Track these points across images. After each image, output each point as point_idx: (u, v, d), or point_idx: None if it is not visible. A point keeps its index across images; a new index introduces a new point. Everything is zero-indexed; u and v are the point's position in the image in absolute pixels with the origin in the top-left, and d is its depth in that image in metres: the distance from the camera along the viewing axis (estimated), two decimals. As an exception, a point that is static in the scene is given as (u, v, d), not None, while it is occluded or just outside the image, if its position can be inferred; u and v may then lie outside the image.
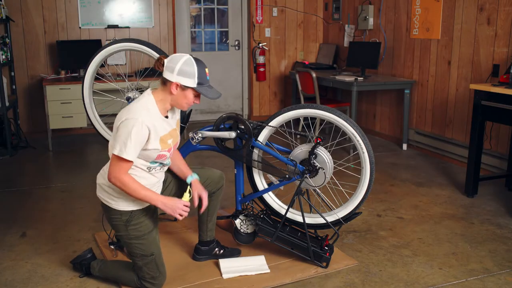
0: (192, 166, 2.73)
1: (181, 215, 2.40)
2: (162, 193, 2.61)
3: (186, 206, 2.42)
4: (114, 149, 2.27)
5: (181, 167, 2.64)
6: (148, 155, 2.37)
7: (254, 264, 2.82)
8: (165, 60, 2.36)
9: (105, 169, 2.46)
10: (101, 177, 2.47)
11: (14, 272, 2.78)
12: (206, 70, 2.39)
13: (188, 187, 2.56)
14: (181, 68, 2.31)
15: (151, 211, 2.53)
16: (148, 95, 2.39)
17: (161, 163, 2.47)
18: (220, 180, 2.80)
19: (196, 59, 2.36)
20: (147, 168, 2.43)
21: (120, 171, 2.28)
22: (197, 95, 2.40)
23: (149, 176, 2.46)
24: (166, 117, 2.45)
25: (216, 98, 2.41)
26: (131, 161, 2.29)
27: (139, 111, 2.29)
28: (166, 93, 2.38)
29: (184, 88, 2.34)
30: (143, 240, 2.45)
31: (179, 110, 2.62)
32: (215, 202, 2.83)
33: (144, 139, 2.29)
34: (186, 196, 2.50)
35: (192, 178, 2.61)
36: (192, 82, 2.33)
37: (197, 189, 2.58)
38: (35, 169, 4.83)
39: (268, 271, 2.75)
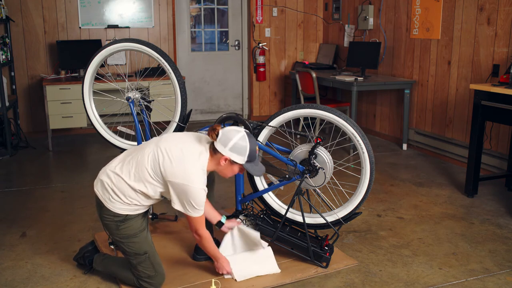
0: None
1: (222, 273, 2.66)
2: None
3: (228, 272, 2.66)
4: (188, 211, 2.37)
5: (210, 211, 2.79)
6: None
7: (263, 261, 2.79)
8: (220, 132, 2.38)
9: (111, 169, 2.45)
10: (105, 175, 2.45)
11: (14, 272, 2.78)
12: (257, 147, 2.45)
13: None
14: (235, 145, 2.36)
15: (143, 213, 2.55)
16: (204, 152, 2.41)
17: None
18: (209, 175, 2.81)
19: (249, 136, 2.41)
20: (156, 200, 2.50)
21: (202, 227, 2.46)
22: (242, 168, 2.46)
23: (153, 202, 2.52)
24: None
25: (260, 175, 2.55)
26: (203, 215, 2.44)
27: (197, 178, 2.34)
28: (214, 162, 2.42)
29: (232, 162, 2.40)
30: (135, 239, 2.47)
31: None
32: (211, 194, 2.86)
33: (204, 197, 2.39)
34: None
35: (223, 218, 2.81)
36: (242, 160, 2.39)
37: (228, 225, 2.81)
38: (35, 169, 4.83)
39: (279, 271, 2.75)
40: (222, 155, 2.37)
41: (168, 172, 2.33)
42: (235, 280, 2.66)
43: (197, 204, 2.35)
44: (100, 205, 2.47)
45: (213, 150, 2.41)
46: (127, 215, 2.44)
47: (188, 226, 2.51)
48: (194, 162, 2.36)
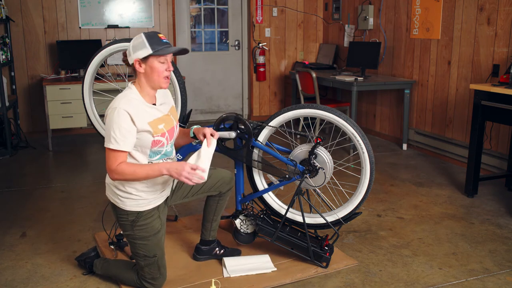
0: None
1: (189, 179, 2.27)
2: (175, 192, 2.66)
3: (193, 168, 2.28)
4: (105, 143, 2.28)
5: (184, 135, 2.68)
6: (142, 144, 2.35)
7: (259, 262, 2.82)
8: (127, 52, 2.39)
9: None
10: (108, 177, 2.48)
11: (14, 272, 2.78)
12: (160, 35, 2.36)
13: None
14: (133, 45, 2.33)
15: (159, 213, 2.52)
16: (128, 87, 2.40)
17: (163, 155, 2.46)
18: (231, 181, 2.80)
19: (145, 32, 2.36)
20: (149, 163, 2.41)
21: (115, 163, 2.27)
22: (163, 61, 2.35)
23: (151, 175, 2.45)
24: (154, 104, 2.44)
25: (182, 51, 2.39)
26: (124, 151, 2.27)
27: (117, 101, 2.30)
28: (140, 78, 2.37)
29: (144, 60, 2.32)
30: (148, 241, 2.46)
31: (169, 97, 2.60)
32: (223, 202, 2.84)
33: (128, 125, 2.26)
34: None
35: (192, 129, 2.62)
36: (147, 51, 2.30)
37: (200, 132, 2.56)
38: (35, 169, 4.83)
39: (275, 269, 2.76)
40: (134, 63, 2.33)
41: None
42: (223, 277, 2.67)
43: (112, 128, 2.22)
44: (114, 208, 2.48)
45: (134, 71, 2.38)
46: (139, 212, 2.43)
47: (108, 171, 2.29)
48: (120, 94, 2.36)
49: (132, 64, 2.35)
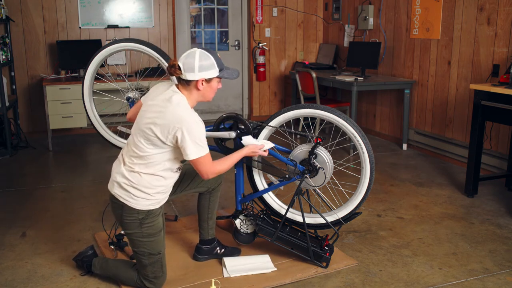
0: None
1: (257, 153, 2.68)
2: (179, 185, 2.74)
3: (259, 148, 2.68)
4: (191, 156, 2.34)
5: None
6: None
7: (259, 262, 2.82)
8: (180, 64, 2.38)
9: (128, 168, 2.43)
10: (121, 175, 2.43)
11: (14, 272, 2.78)
12: (218, 54, 2.48)
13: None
14: (201, 65, 2.37)
15: (162, 210, 2.56)
16: (179, 95, 2.41)
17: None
18: (219, 176, 2.81)
19: (207, 49, 2.43)
20: (177, 169, 2.50)
21: (210, 167, 2.42)
22: (219, 80, 2.49)
23: (175, 175, 2.52)
24: None
25: (237, 77, 2.55)
26: (208, 152, 2.41)
27: (188, 113, 2.35)
28: (192, 92, 2.43)
29: (209, 80, 2.42)
30: (154, 238, 2.47)
31: None
32: (214, 199, 2.86)
33: (204, 131, 2.41)
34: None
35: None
36: (215, 72, 2.41)
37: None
38: (35, 169, 4.83)
39: (275, 269, 2.76)
40: (197, 80, 2.39)
41: (164, 124, 2.34)
42: (223, 277, 2.68)
43: (195, 140, 2.34)
44: (120, 206, 2.44)
45: (184, 84, 2.42)
46: (149, 210, 2.44)
47: (205, 176, 2.45)
48: (176, 107, 2.36)
49: (189, 80, 2.39)
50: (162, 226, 2.52)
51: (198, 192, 2.86)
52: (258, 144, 2.69)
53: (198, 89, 2.42)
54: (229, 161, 2.56)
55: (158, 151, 2.38)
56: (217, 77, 2.44)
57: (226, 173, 2.70)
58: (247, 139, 2.72)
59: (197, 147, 2.35)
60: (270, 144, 2.75)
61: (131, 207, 2.42)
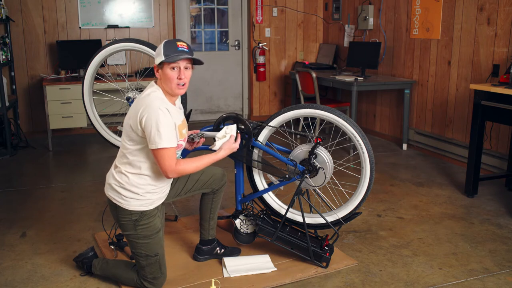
0: None
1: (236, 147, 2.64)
2: (183, 187, 2.73)
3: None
4: (152, 145, 2.29)
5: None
6: None
7: (259, 262, 2.82)
8: None
9: (117, 169, 2.46)
10: (111, 177, 2.47)
11: (14, 272, 2.78)
12: (179, 43, 2.38)
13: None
14: (155, 52, 2.39)
15: (160, 211, 2.55)
16: (152, 86, 2.43)
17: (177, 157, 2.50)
18: (223, 177, 2.82)
19: (167, 40, 2.41)
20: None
21: (171, 164, 2.32)
22: (173, 68, 2.36)
23: (163, 176, 2.50)
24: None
25: (197, 62, 2.42)
26: (173, 147, 2.31)
27: (153, 101, 2.32)
28: (160, 83, 2.43)
29: (160, 66, 2.38)
30: (150, 240, 2.46)
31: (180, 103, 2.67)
32: (217, 199, 2.86)
33: (171, 122, 2.33)
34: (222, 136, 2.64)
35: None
36: (160, 58, 2.35)
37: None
38: (35, 169, 4.83)
39: (275, 269, 2.76)
40: (154, 69, 2.41)
41: (130, 119, 2.35)
42: (223, 277, 2.67)
43: (157, 129, 2.25)
44: (115, 208, 2.46)
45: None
46: (142, 211, 2.44)
47: (164, 172, 2.35)
48: (146, 97, 2.37)
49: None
50: (159, 227, 2.50)
51: (202, 193, 2.85)
52: (228, 140, 2.60)
53: (159, 78, 2.42)
54: (198, 163, 2.43)
55: (136, 146, 2.38)
56: (164, 62, 2.32)
57: (228, 173, 2.70)
58: (217, 143, 2.61)
59: (158, 136, 2.26)
60: (233, 129, 2.64)
61: (124, 208, 2.43)
